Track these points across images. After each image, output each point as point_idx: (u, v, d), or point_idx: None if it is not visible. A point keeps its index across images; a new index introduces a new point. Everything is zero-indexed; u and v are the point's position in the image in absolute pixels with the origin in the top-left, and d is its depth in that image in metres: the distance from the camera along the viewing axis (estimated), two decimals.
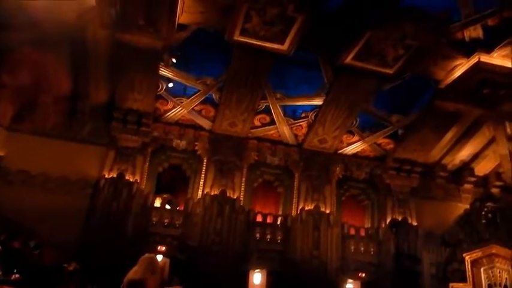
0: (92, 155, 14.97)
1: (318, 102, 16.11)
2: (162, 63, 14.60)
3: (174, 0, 11.63)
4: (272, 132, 16.82)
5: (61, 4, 11.44)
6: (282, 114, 16.51)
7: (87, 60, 13.55)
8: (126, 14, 11.99)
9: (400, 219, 17.18)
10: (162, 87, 15.43)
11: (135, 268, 5.56)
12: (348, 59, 13.71)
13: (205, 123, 16.29)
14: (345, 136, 17.12)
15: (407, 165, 17.58)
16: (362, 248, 16.54)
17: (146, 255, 6.02)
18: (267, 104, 16.21)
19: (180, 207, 15.77)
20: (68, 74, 13.51)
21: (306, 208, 16.45)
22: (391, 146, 17.51)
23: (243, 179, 16.34)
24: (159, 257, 13.98)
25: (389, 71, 14.13)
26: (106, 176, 14.88)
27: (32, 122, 14.12)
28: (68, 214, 13.56)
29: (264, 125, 16.68)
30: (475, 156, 18.12)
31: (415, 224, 17.18)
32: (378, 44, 13.13)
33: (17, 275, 7.75)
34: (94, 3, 11.62)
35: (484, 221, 14.23)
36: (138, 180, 15.25)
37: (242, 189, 16.23)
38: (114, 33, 12.60)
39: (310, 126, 16.58)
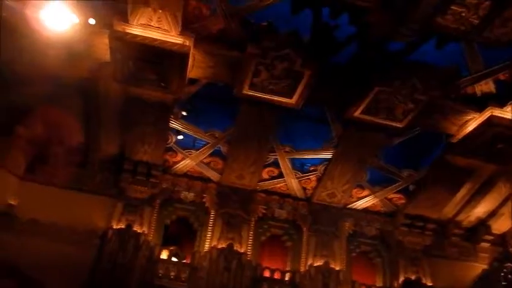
0: (101, 206, 15.10)
1: (326, 155, 16.13)
2: (172, 116, 14.95)
3: (185, 56, 12.07)
4: (280, 185, 16.78)
5: (76, 60, 11.97)
6: (290, 167, 16.53)
7: (98, 113, 13.99)
8: (138, 69, 12.48)
9: (413, 278, 16.55)
10: (171, 140, 15.74)
11: None
12: (357, 113, 13.87)
13: (214, 176, 16.38)
14: (354, 190, 16.95)
15: (420, 222, 17.15)
16: None
17: None
18: (275, 157, 16.30)
19: (187, 260, 15.60)
20: (80, 127, 13.92)
21: (315, 264, 16.05)
22: (403, 201, 17.23)
23: (251, 233, 16.14)
24: None
25: (399, 125, 14.19)
26: (114, 227, 14.92)
27: (44, 173, 14.41)
28: (74, 264, 13.64)
29: (272, 178, 16.68)
30: (492, 214, 17.59)
31: (429, 284, 16.51)
32: (386, 98, 13.29)
33: None
34: (108, 59, 12.11)
35: (504, 283, 13.64)
36: (146, 232, 15.22)
37: (250, 243, 15.99)
38: (126, 87, 13.05)
39: (319, 179, 16.52)
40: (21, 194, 14.55)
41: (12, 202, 14.37)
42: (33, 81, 11.69)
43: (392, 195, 17.25)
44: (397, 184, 17.05)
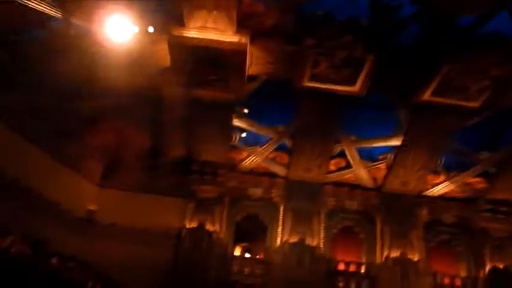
0: (173, 207, 15.55)
1: (396, 142, 15.46)
2: (235, 115, 15.03)
3: (243, 54, 12.04)
4: (349, 176, 16.37)
5: (139, 69, 12.35)
6: (358, 157, 16.07)
7: (164, 118, 14.37)
8: (198, 72, 12.64)
9: (501, 267, 15.47)
10: (235, 138, 15.85)
11: None
12: (426, 96, 13.13)
13: (280, 170, 16.31)
14: (429, 177, 16.14)
15: (504, 207, 15.97)
16: None
17: None
18: (342, 147, 15.89)
19: (260, 256, 15.70)
20: (148, 133, 14.39)
21: (392, 255, 15.51)
22: (483, 185, 16.12)
23: (322, 226, 15.93)
24: None
25: (473, 105, 13.25)
26: (187, 227, 15.33)
27: (118, 179, 15.08)
28: (153, 264, 14.16)
29: (339, 169, 16.32)
30: None
31: None
32: (457, 77, 12.44)
33: None
34: (169, 65, 12.38)
35: None
36: (218, 230, 15.51)
37: (321, 236, 15.79)
38: (187, 90, 13.28)
39: (389, 168, 15.89)
40: (99, 200, 15.39)
41: (92, 208, 15.21)
42: (102, 93, 12.22)
43: (471, 180, 16.21)
44: (475, 168, 16.00)
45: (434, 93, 12.98)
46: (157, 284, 14.04)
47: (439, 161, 16.00)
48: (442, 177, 16.32)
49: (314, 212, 15.96)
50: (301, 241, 15.43)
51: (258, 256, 15.74)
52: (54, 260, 9.70)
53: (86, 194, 15.24)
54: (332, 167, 16.26)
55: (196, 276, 14.52)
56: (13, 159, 12.11)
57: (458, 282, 15.59)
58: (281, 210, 16.08)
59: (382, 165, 16.14)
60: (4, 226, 9.75)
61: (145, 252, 14.31)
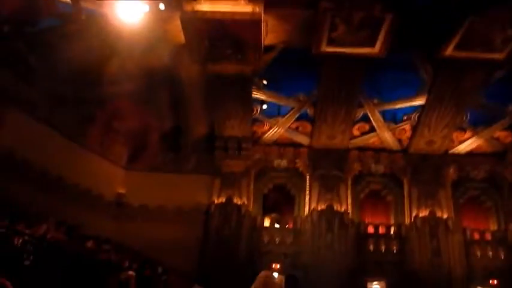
0: (200, 184, 15.69)
1: (419, 102, 15.13)
2: (254, 87, 14.87)
3: (257, 24, 11.77)
4: (373, 140, 16.18)
5: (154, 49, 12.22)
6: (381, 120, 15.82)
7: (184, 97, 14.33)
8: (213, 46, 12.44)
9: None
10: (257, 111, 15.74)
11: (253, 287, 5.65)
12: (449, 51, 12.71)
13: (304, 140, 16.21)
14: (455, 134, 15.86)
15: None
16: (490, 253, 15.07)
17: (262, 272, 6.07)
18: (365, 111, 15.66)
19: (289, 225, 15.82)
20: (169, 114, 14.38)
21: (421, 215, 15.47)
22: (511, 138, 15.75)
23: (349, 191, 15.91)
24: (275, 275, 14.09)
25: (499, 57, 12.80)
26: (216, 202, 15.47)
27: (144, 160, 15.21)
28: (185, 241, 14.44)
29: (363, 133, 16.13)
30: None
31: None
32: (481, 28, 11.94)
33: None
34: (182, 42, 12.21)
35: None
36: (246, 203, 15.63)
37: (349, 201, 15.79)
38: (205, 66, 13.13)
39: (414, 128, 15.63)
40: (127, 183, 15.61)
41: (121, 191, 15.45)
42: (119, 77, 12.18)
43: (498, 134, 15.87)
44: (502, 121, 15.61)
45: (458, 47, 12.54)
46: (190, 259, 14.32)
47: (464, 117, 15.67)
48: (468, 134, 16.02)
49: (340, 178, 15.92)
50: (329, 208, 15.48)
51: (287, 226, 15.86)
52: (89, 244, 9.91)
53: (114, 178, 15.47)
54: (356, 132, 16.10)
55: (228, 249, 14.74)
56: (41, 150, 12.30)
57: (488, 236, 15.53)
58: (307, 179, 16.09)
59: (407, 126, 15.90)
60: (39, 214, 9.99)
61: (176, 230, 14.57)
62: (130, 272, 8.02)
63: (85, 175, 13.94)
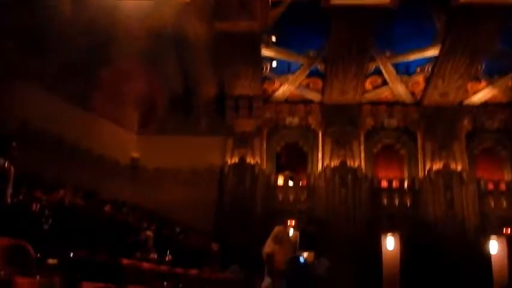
0: (213, 145, 15.77)
1: (433, 53, 14.75)
2: (263, 44, 14.62)
3: None
4: (386, 93, 15.95)
5: (159, 8, 12.01)
6: (394, 73, 15.54)
7: (193, 57, 14.15)
8: (219, 3, 12.17)
9: None
10: (266, 68, 15.55)
11: (268, 241, 5.86)
12: None
13: (315, 96, 16.05)
14: (470, 84, 15.53)
15: None
16: (504, 203, 15.07)
17: (277, 227, 6.24)
18: (377, 65, 15.36)
19: (303, 183, 15.95)
20: (178, 75, 14.28)
21: (434, 168, 15.43)
22: None
23: (362, 147, 15.85)
24: (291, 231, 14.41)
25: None
26: (229, 163, 15.60)
27: (156, 124, 15.28)
28: (201, 202, 14.65)
29: (376, 87, 15.89)
30: None
31: None
32: None
33: (170, 256, 8.61)
34: (188, 0, 11.97)
35: None
36: (259, 162, 15.71)
37: (362, 157, 15.77)
38: (211, 24, 12.90)
39: (428, 80, 15.33)
40: (141, 147, 15.76)
41: (135, 156, 15.65)
42: (126, 40, 12.05)
43: None
44: None
45: None
46: (207, 219, 14.60)
47: (479, 67, 15.27)
48: (483, 84, 15.67)
49: (353, 133, 15.84)
50: (343, 164, 15.51)
51: (300, 183, 15.99)
52: (107, 208, 10.14)
53: (127, 143, 15.62)
54: (368, 86, 15.87)
55: (243, 208, 14.98)
56: (54, 119, 12.38)
57: (502, 186, 15.46)
58: (320, 135, 16.05)
59: (420, 79, 15.60)
60: (56, 181, 10.21)
61: (191, 191, 14.80)
62: (148, 232, 8.24)
63: (99, 141, 14.10)
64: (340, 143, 15.74)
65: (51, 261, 5.07)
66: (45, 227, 6.59)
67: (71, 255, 5.44)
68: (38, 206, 7.05)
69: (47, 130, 12.25)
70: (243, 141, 15.73)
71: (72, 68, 12.19)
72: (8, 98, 11.17)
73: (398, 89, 15.76)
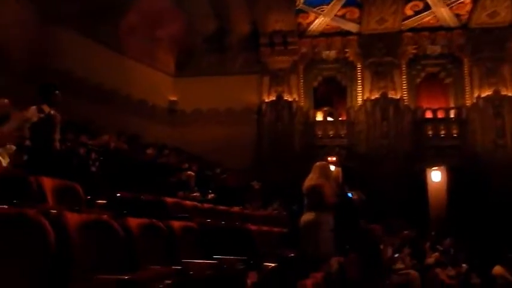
0: (249, 84, 15.63)
1: None
2: None
3: None
4: (428, 18, 15.02)
5: None
6: None
7: None
8: None
9: None
10: (299, 1, 14.87)
11: (310, 176, 5.80)
12: None
13: (352, 27, 15.37)
14: None
15: None
16: None
17: (318, 163, 6.19)
18: None
19: (342, 118, 15.71)
20: (210, 15, 13.96)
21: (483, 95, 14.71)
22: None
23: (404, 77, 15.26)
24: (332, 168, 14.34)
25: None
26: (266, 101, 15.48)
27: (191, 66, 15.24)
28: (240, 141, 14.76)
29: (417, 12, 14.95)
30: None
31: None
32: None
33: (212, 194, 8.89)
34: None
35: None
36: (296, 99, 15.52)
37: (404, 87, 15.22)
38: None
39: (474, 0, 14.24)
40: (178, 90, 15.88)
41: (173, 98, 15.81)
42: None
43: None
44: None
45: None
46: (246, 158, 14.74)
47: None
48: None
49: (394, 64, 15.20)
50: (383, 96, 15.06)
51: (340, 118, 15.74)
52: (149, 151, 10.44)
53: (165, 87, 15.73)
54: (409, 12, 14.94)
55: (282, 146, 14.99)
56: (94, 66, 12.57)
57: None
58: (358, 68, 15.52)
59: None
60: (100, 127, 10.55)
61: (230, 131, 14.89)
62: (190, 172, 8.45)
63: (137, 86, 14.28)
64: (380, 74, 15.19)
65: (99, 201, 5.28)
66: (93, 169, 6.90)
67: (118, 196, 5.65)
68: (85, 151, 7.35)
69: (87, 78, 12.50)
70: (280, 78, 15.46)
71: (105, 13, 12.16)
72: (50, 47, 11.37)
73: (441, 12, 14.79)
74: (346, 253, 5.35)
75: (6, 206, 2.37)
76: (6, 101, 5.70)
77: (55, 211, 2.77)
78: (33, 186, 3.81)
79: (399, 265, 5.22)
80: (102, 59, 12.94)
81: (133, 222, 3.26)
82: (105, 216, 3.13)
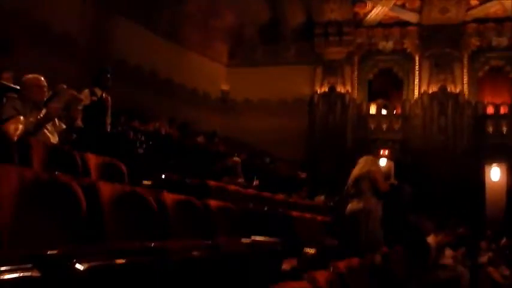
0: (302, 75, 15.44)
1: None
2: None
3: None
4: (495, 8, 14.13)
5: None
6: None
7: None
8: None
9: None
10: None
11: (357, 167, 5.63)
12: None
13: (412, 17, 14.75)
14: None
15: None
16: None
17: (365, 156, 6.01)
18: None
19: (397, 111, 15.19)
20: (264, 4, 13.90)
21: None
22: None
23: (465, 70, 14.47)
24: (384, 161, 13.93)
25: None
26: (318, 92, 15.24)
27: (244, 55, 15.27)
28: (290, 132, 14.64)
29: (482, 2, 14.09)
30: None
31: None
32: None
33: (257, 181, 8.89)
34: None
35: None
36: (350, 91, 15.16)
37: (465, 81, 14.46)
38: None
39: None
40: (230, 80, 15.98)
41: (225, 88, 15.93)
42: None
43: None
44: None
45: None
46: (296, 149, 14.61)
47: None
48: None
49: (455, 56, 14.45)
50: (442, 89, 14.35)
51: (395, 111, 15.21)
52: (199, 138, 10.60)
53: (217, 76, 15.91)
54: (473, 2, 14.12)
55: (334, 139, 14.71)
56: (149, 54, 12.92)
57: None
58: (416, 60, 14.88)
59: None
60: (152, 114, 10.83)
61: (281, 122, 14.83)
62: (236, 158, 8.46)
63: (190, 75, 14.53)
64: (440, 66, 14.49)
65: (145, 182, 5.37)
66: (140, 151, 7.07)
67: (163, 177, 5.74)
68: (134, 134, 7.55)
69: (142, 66, 12.86)
70: (333, 70, 15.15)
71: (163, 2, 12.42)
72: (108, 36, 11.80)
73: (509, 2, 13.85)
74: (392, 245, 5.13)
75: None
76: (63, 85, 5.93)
77: (89, 181, 2.84)
78: (78, 162, 3.92)
79: (447, 260, 4.95)
80: (156, 47, 13.26)
81: (169, 197, 3.27)
82: (140, 190, 3.16)
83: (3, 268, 1.16)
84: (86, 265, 1.39)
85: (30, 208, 2.07)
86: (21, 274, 1.18)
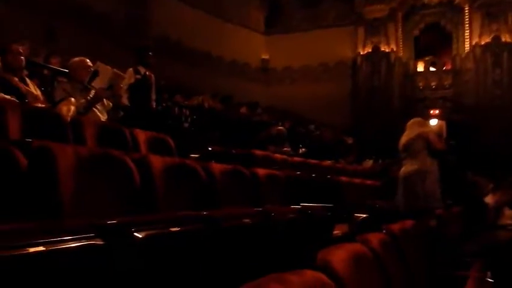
0: (343, 37, 15.01)
1: None
2: None
3: None
4: None
5: None
6: None
7: None
8: None
9: None
10: None
11: (407, 132, 5.45)
12: None
13: None
14: None
15: None
16: None
17: (413, 119, 5.81)
18: None
19: (447, 67, 14.51)
20: None
21: None
22: None
23: None
24: (434, 121, 13.44)
25: None
26: (361, 53, 14.79)
27: (282, 22, 14.98)
28: (334, 97, 14.44)
29: None
30: None
31: None
32: None
33: (303, 149, 8.85)
34: None
35: None
36: (395, 49, 14.60)
37: None
38: None
39: None
40: (269, 48, 15.80)
41: (265, 57, 15.76)
42: None
43: None
44: None
45: None
46: (341, 114, 14.32)
47: None
48: None
49: (509, 4, 13.47)
50: (496, 40, 13.50)
51: (444, 67, 14.52)
52: (242, 109, 10.58)
53: (256, 46, 15.74)
54: None
55: (380, 100, 14.32)
56: (186, 29, 12.92)
57: None
58: (466, 11, 14.01)
59: None
60: (194, 88, 10.91)
61: (323, 87, 14.59)
62: (280, 127, 8.41)
63: (229, 47, 14.46)
64: (492, 16, 13.58)
65: (192, 155, 5.45)
66: (186, 125, 7.17)
67: (209, 149, 5.81)
68: (179, 109, 7.66)
69: (182, 41, 12.91)
70: (376, 29, 14.58)
71: None
72: (148, 13, 11.88)
73: None
74: (448, 206, 4.97)
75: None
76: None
77: (140, 155, 2.93)
78: (127, 138, 4.03)
79: (506, 221, 4.74)
80: (195, 22, 13.24)
81: (217, 167, 3.30)
82: (188, 161, 3.22)
83: (68, 237, 1.23)
84: (144, 233, 1.47)
85: (87, 182, 2.16)
86: (86, 242, 1.26)
